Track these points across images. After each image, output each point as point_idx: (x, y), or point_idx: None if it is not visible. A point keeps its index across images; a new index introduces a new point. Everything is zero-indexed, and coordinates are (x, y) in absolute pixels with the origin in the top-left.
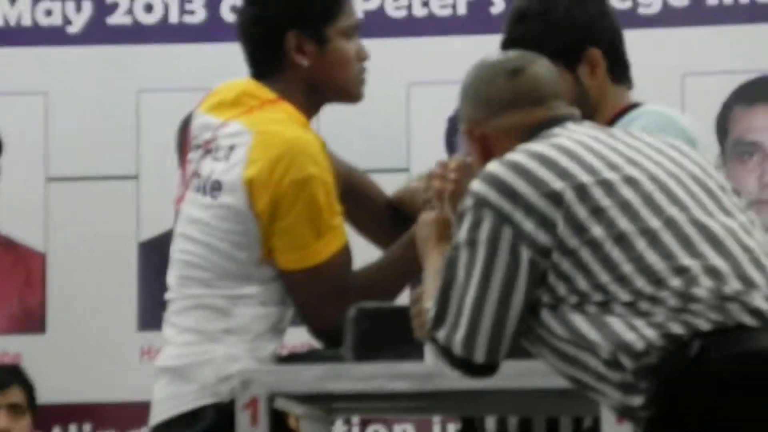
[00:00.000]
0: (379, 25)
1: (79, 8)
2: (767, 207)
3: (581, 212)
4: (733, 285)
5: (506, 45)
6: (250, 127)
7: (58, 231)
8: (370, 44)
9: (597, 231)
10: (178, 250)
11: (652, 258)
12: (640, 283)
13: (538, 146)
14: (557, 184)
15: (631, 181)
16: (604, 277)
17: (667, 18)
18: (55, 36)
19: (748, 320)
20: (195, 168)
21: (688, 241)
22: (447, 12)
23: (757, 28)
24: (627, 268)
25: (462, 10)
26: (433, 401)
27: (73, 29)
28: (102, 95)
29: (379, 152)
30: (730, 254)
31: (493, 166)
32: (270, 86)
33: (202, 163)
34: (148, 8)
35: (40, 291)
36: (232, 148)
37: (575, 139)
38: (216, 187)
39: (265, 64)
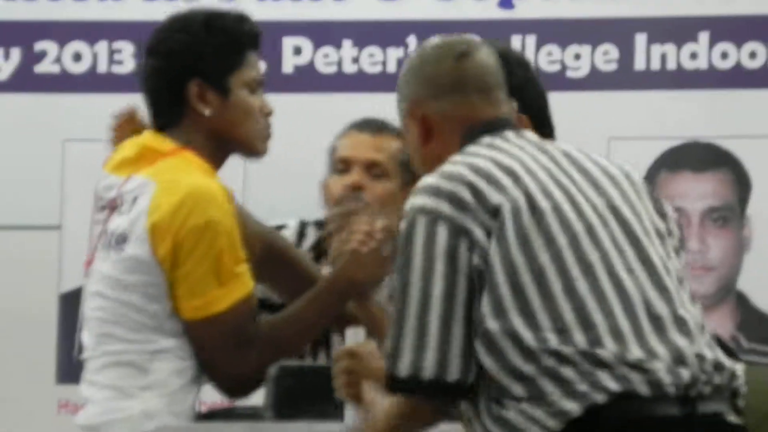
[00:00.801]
0: (309, 80)
1: (7, 55)
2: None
3: (510, 235)
4: (635, 352)
5: None
6: (153, 177)
7: None
8: (299, 99)
9: (518, 259)
10: (90, 308)
11: (563, 305)
12: (545, 326)
13: (478, 160)
14: (496, 200)
15: (559, 215)
16: (511, 311)
17: (595, 82)
18: None
19: (645, 390)
20: (103, 228)
21: (602, 295)
22: (377, 69)
23: (683, 94)
24: (536, 305)
25: (392, 67)
26: None
27: (0, 76)
28: (27, 143)
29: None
30: (636, 318)
31: (435, 180)
32: (172, 137)
33: (109, 222)
34: (77, 57)
35: None
36: (135, 199)
37: (515, 156)
38: (121, 240)
39: (168, 115)
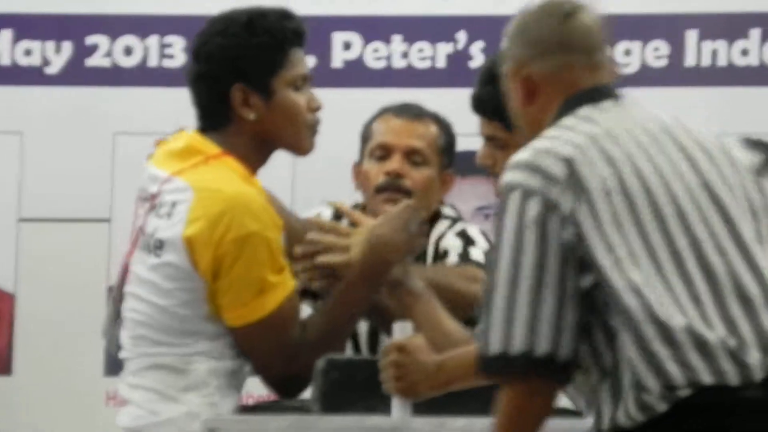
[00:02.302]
0: (359, 75)
1: (58, 49)
2: None
3: (604, 216)
4: (724, 338)
5: (476, 104)
6: (192, 185)
7: (28, 272)
8: (349, 94)
9: (615, 239)
10: (128, 309)
11: (658, 285)
12: (654, 302)
13: (573, 135)
14: (588, 178)
15: (649, 197)
16: (618, 283)
17: (645, 78)
18: (34, 76)
19: (735, 379)
20: (141, 223)
21: (690, 280)
22: (426, 64)
23: (734, 90)
24: (641, 284)
25: (441, 63)
26: None
27: (51, 70)
28: (78, 137)
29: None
30: (724, 303)
31: (528, 155)
32: (216, 139)
33: (148, 219)
34: (128, 51)
35: (7, 332)
36: (174, 205)
37: (610, 132)
38: (158, 245)
39: (213, 118)
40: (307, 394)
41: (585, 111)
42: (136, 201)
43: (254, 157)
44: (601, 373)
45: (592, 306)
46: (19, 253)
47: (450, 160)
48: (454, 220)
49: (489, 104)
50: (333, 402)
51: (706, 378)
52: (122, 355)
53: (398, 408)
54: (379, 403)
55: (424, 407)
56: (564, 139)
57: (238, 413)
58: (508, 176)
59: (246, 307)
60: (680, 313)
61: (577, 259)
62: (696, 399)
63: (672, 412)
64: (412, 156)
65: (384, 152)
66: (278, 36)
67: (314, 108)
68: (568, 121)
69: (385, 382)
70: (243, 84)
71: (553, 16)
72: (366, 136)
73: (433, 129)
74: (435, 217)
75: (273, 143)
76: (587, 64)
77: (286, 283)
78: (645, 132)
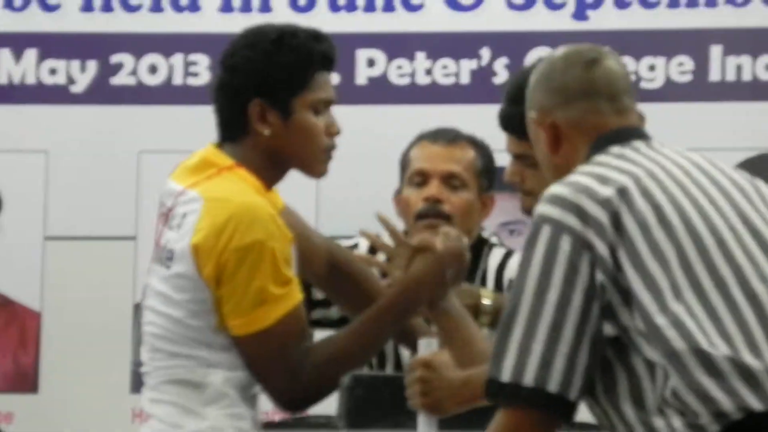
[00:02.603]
0: (382, 92)
1: (83, 68)
2: None
3: (642, 249)
4: None
5: (505, 123)
6: (203, 195)
7: (54, 290)
8: (372, 111)
9: (655, 271)
10: (145, 322)
11: (701, 314)
12: (695, 333)
13: (607, 171)
14: (624, 213)
15: (690, 229)
16: (660, 320)
17: (670, 93)
18: (59, 95)
19: None
20: (157, 238)
21: (735, 307)
22: (450, 81)
23: (759, 105)
24: (682, 314)
25: (465, 79)
26: None
27: (76, 88)
28: (103, 155)
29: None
30: None
31: (564, 190)
32: (231, 151)
33: (162, 233)
34: (153, 69)
35: (33, 350)
36: (184, 216)
37: (645, 167)
38: (169, 256)
39: (230, 129)
40: (331, 409)
41: (616, 149)
42: (156, 217)
43: (268, 171)
44: (633, 399)
45: (626, 345)
46: (45, 271)
47: (489, 182)
48: (509, 250)
49: (518, 123)
50: (358, 418)
51: (756, 404)
52: (142, 369)
53: (424, 424)
54: (405, 420)
55: (450, 423)
56: (601, 176)
57: (263, 429)
58: (544, 209)
59: (247, 317)
60: (725, 342)
61: (604, 303)
62: (748, 423)
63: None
64: (449, 180)
65: (422, 178)
66: (305, 57)
67: (333, 133)
68: (600, 158)
69: (411, 398)
70: (262, 100)
71: (577, 63)
72: (404, 164)
73: (470, 152)
74: (481, 243)
75: (285, 162)
76: (613, 109)
77: (291, 297)
78: (678, 168)
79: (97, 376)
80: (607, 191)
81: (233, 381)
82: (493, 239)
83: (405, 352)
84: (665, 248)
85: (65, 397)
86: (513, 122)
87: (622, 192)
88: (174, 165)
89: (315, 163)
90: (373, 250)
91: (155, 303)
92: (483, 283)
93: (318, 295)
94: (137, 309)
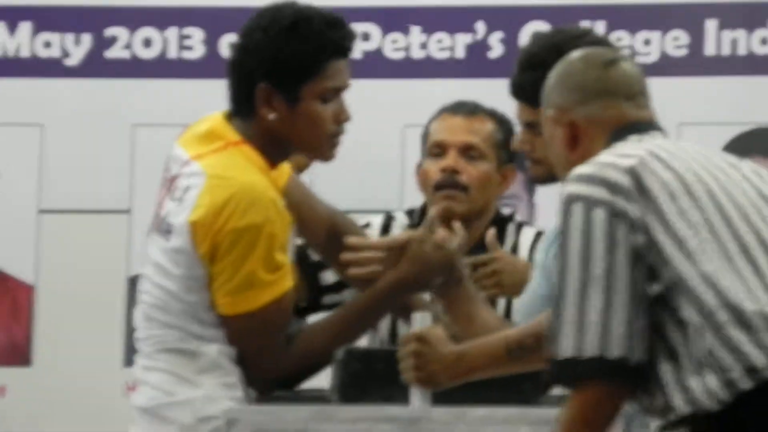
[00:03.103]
0: (377, 66)
1: (78, 41)
2: None
3: (672, 216)
4: None
5: (517, 90)
6: (206, 170)
7: (48, 263)
8: (367, 85)
9: (686, 233)
10: (142, 290)
11: (729, 276)
12: (727, 288)
13: (629, 149)
14: (650, 183)
15: (713, 198)
16: (693, 280)
17: (665, 67)
18: (53, 68)
19: None
20: (159, 203)
21: (761, 272)
22: (445, 55)
23: (754, 80)
24: (714, 272)
25: (460, 53)
26: None
27: (71, 62)
28: (98, 128)
29: (373, 193)
30: None
31: (589, 168)
32: (239, 126)
33: (164, 201)
34: (147, 43)
35: (27, 323)
36: (186, 189)
37: (665, 147)
38: (168, 229)
39: (239, 106)
40: (324, 383)
41: (634, 138)
42: (161, 181)
43: (273, 151)
44: (669, 361)
45: (662, 307)
46: (39, 244)
47: (510, 155)
48: (539, 231)
49: (530, 90)
50: (352, 392)
51: None
52: (136, 335)
53: (417, 398)
54: (398, 393)
55: (443, 397)
56: (622, 153)
57: (256, 403)
58: (571, 188)
59: (234, 297)
60: (752, 300)
61: (646, 265)
62: None
63: (757, 391)
64: (467, 151)
65: (440, 150)
66: (317, 45)
67: (341, 120)
68: (619, 144)
69: (405, 372)
70: (270, 84)
71: (594, 64)
72: (425, 136)
73: (488, 124)
74: (503, 220)
75: (290, 146)
76: (630, 106)
77: (280, 284)
78: (697, 152)
79: (90, 350)
80: (629, 161)
81: (227, 353)
82: (518, 217)
83: (402, 326)
84: (691, 213)
85: (58, 371)
86: (525, 90)
87: (644, 162)
88: (168, 138)
89: (320, 149)
90: (386, 228)
91: (152, 273)
92: (514, 254)
93: (328, 279)
94: (131, 282)
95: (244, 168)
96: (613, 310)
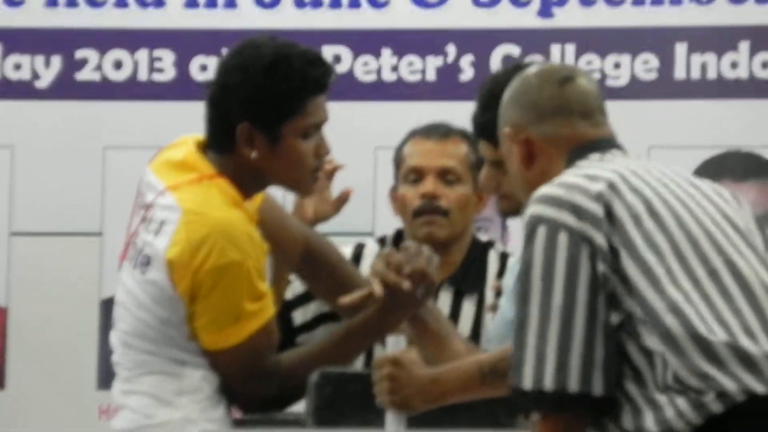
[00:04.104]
0: (349, 88)
1: (48, 63)
2: None
3: (636, 239)
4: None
5: (479, 130)
6: (181, 204)
7: (20, 285)
8: (338, 107)
9: (651, 259)
10: (117, 316)
11: (697, 301)
12: (694, 319)
13: (593, 170)
14: (615, 205)
15: (679, 221)
16: (658, 307)
17: (635, 91)
18: (24, 90)
19: None
20: (134, 231)
21: (729, 295)
22: (416, 78)
23: (723, 103)
24: (681, 301)
25: (431, 76)
26: None
27: (41, 84)
28: (68, 150)
29: (345, 215)
30: (764, 316)
31: (553, 189)
32: (215, 159)
33: (140, 230)
34: (118, 65)
35: (0, 345)
36: (162, 223)
37: (627, 167)
38: (145, 262)
39: (217, 141)
40: (299, 407)
41: (596, 156)
42: (133, 204)
43: (250, 185)
44: (635, 383)
45: (626, 334)
46: (11, 266)
47: None
48: (503, 252)
49: (492, 130)
50: (326, 415)
51: (759, 387)
52: (113, 358)
53: (392, 422)
54: (373, 417)
55: (418, 421)
56: (589, 175)
57: (234, 427)
58: (536, 209)
59: (220, 334)
60: (722, 328)
61: (608, 293)
62: (751, 405)
63: (727, 415)
64: (445, 176)
65: (417, 175)
66: (298, 85)
67: (321, 154)
68: (582, 163)
69: (379, 395)
70: (251, 123)
71: (550, 81)
72: (398, 161)
73: (462, 146)
74: (484, 246)
75: (270, 180)
76: (587, 124)
77: (264, 311)
78: (659, 171)
79: (64, 373)
80: (597, 186)
81: (209, 378)
82: (491, 239)
83: (377, 349)
84: (658, 238)
85: (32, 394)
86: (487, 129)
87: (612, 186)
88: (139, 161)
89: (301, 184)
90: (357, 257)
91: (128, 301)
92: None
93: (300, 318)
94: (104, 305)
95: (219, 203)
96: (571, 342)
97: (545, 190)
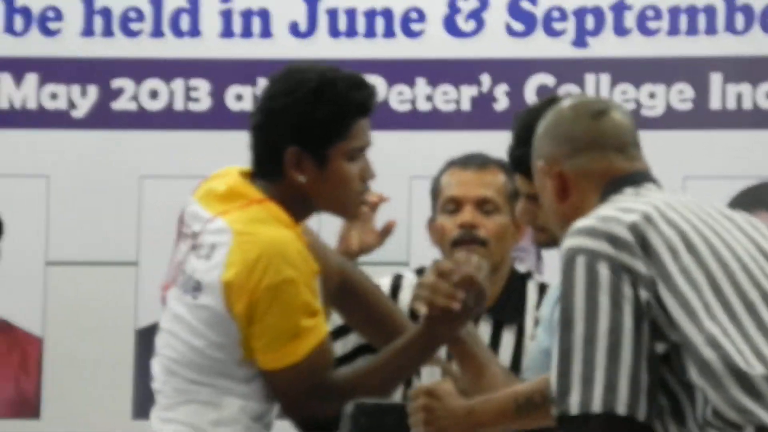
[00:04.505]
0: (383, 118)
1: (84, 93)
2: None
3: (674, 272)
4: None
5: (515, 164)
6: (231, 226)
7: (56, 315)
8: (374, 137)
9: (688, 293)
10: (162, 344)
11: (734, 335)
12: (732, 353)
13: (628, 203)
14: (652, 238)
15: (715, 254)
16: (697, 341)
17: (670, 121)
18: (60, 119)
19: None
20: (182, 260)
21: (766, 329)
22: (451, 107)
23: (759, 133)
24: (718, 335)
25: (466, 105)
26: None
27: (77, 113)
28: (104, 180)
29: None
30: None
31: (591, 221)
32: (263, 186)
33: (188, 258)
34: (153, 95)
35: (35, 376)
36: (213, 247)
37: (663, 201)
38: (197, 287)
39: (264, 169)
40: None
41: (630, 190)
42: (176, 236)
43: (298, 210)
44: (675, 419)
45: (667, 367)
46: (46, 296)
47: None
48: (542, 284)
49: (528, 164)
50: None
51: None
52: (154, 386)
53: None
54: None
55: None
56: (623, 207)
57: None
58: (574, 241)
59: (279, 352)
60: (760, 362)
61: (651, 322)
62: None
63: None
64: (483, 206)
65: (455, 206)
66: (343, 108)
67: (367, 178)
68: (617, 197)
69: (415, 426)
70: (299, 148)
71: (585, 114)
72: (435, 191)
73: (500, 176)
74: (522, 277)
75: (319, 205)
76: (621, 158)
77: (320, 328)
78: (695, 205)
79: (99, 402)
80: (632, 217)
81: (249, 410)
82: (529, 270)
83: (414, 380)
84: (695, 272)
85: (67, 423)
86: (523, 163)
87: (647, 218)
88: (175, 190)
89: (348, 208)
90: (395, 289)
91: (176, 328)
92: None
93: (338, 351)
94: (139, 334)
95: (268, 223)
96: (619, 366)
97: (581, 223)
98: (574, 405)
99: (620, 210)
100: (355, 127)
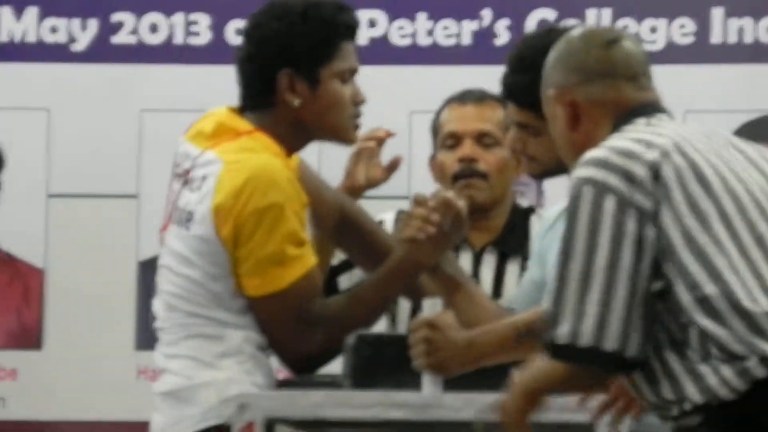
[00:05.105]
0: (384, 53)
1: (84, 26)
2: None
3: (679, 201)
4: None
5: (508, 92)
6: (221, 156)
7: (57, 248)
8: (373, 72)
9: (692, 224)
10: (162, 281)
11: (742, 269)
12: (736, 288)
13: (641, 134)
14: (661, 165)
15: (727, 187)
16: (699, 276)
17: (671, 55)
18: (60, 53)
19: None
20: (175, 198)
21: None
22: (451, 42)
23: (760, 67)
24: (724, 269)
25: (466, 40)
26: (429, 431)
27: (77, 47)
28: (105, 114)
29: None
30: None
31: (604, 153)
32: (252, 118)
33: (181, 194)
34: (153, 28)
35: (37, 307)
36: (204, 178)
37: (675, 131)
38: (189, 218)
39: (256, 99)
40: (337, 369)
41: (642, 121)
42: (170, 177)
43: (291, 140)
44: (674, 351)
45: (666, 302)
46: (48, 228)
47: None
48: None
49: (521, 93)
50: (364, 378)
51: None
52: (156, 324)
53: (429, 384)
54: (409, 379)
55: (454, 383)
56: (632, 138)
57: (272, 386)
58: (584, 171)
59: (263, 277)
60: (765, 298)
61: (652, 259)
62: None
63: None
64: (482, 139)
65: (454, 140)
66: (331, 27)
67: (359, 101)
68: (630, 128)
69: (415, 358)
70: (291, 70)
71: (596, 43)
72: (435, 128)
73: (499, 110)
74: (526, 211)
75: (314, 132)
76: (634, 87)
77: (306, 259)
78: (706, 135)
79: (101, 334)
80: (653, 155)
81: (251, 340)
82: (531, 204)
83: (400, 310)
84: (703, 203)
85: (69, 354)
86: (516, 91)
87: (665, 153)
88: (175, 124)
89: (344, 131)
90: (398, 224)
91: (173, 263)
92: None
93: (344, 285)
94: (140, 266)
95: (257, 151)
96: (612, 303)
97: (595, 153)
98: (563, 335)
99: (641, 144)
100: (343, 48)
